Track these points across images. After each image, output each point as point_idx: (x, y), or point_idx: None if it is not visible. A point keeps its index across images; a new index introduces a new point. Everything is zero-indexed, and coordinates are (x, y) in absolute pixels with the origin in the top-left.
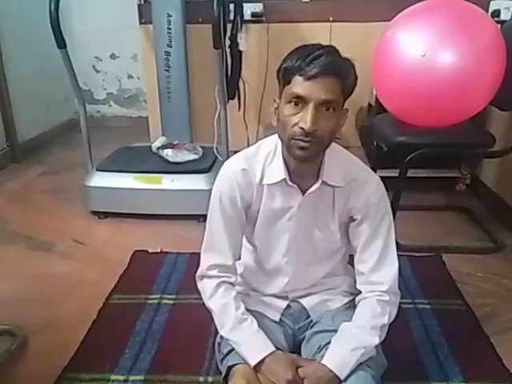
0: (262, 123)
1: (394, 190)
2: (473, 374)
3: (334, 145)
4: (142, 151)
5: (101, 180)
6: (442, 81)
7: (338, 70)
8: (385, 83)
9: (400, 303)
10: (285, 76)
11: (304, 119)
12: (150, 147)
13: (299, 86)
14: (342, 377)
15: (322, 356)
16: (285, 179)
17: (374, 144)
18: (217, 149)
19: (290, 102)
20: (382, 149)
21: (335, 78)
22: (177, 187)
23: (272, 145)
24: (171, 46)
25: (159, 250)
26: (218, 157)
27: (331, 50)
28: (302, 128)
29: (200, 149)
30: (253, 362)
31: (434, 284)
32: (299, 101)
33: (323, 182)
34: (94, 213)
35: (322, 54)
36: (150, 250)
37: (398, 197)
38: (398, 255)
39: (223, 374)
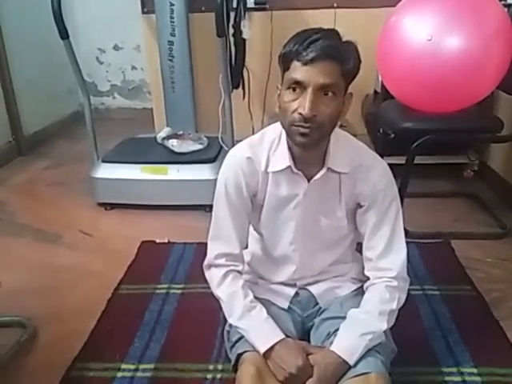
0: (267, 112)
1: (402, 176)
2: (483, 359)
3: (338, 130)
4: (147, 142)
5: (107, 171)
6: (449, 65)
7: (335, 53)
8: (391, 69)
9: (409, 290)
10: (284, 62)
11: (302, 105)
12: (155, 138)
13: (297, 71)
14: (352, 362)
15: (331, 343)
16: (290, 166)
17: (381, 131)
18: (222, 138)
19: (289, 87)
20: (388, 135)
21: (333, 61)
22: (183, 177)
23: (276, 132)
24: (174, 36)
25: (166, 241)
26: (224, 146)
27: (329, 34)
28: (300, 114)
29: (205, 139)
30: (262, 349)
31: (443, 270)
32: (298, 86)
33: (329, 169)
34: (101, 204)
35: (320, 38)
36: (157, 241)
37: (406, 184)
38: (407, 242)
39: (233, 362)
